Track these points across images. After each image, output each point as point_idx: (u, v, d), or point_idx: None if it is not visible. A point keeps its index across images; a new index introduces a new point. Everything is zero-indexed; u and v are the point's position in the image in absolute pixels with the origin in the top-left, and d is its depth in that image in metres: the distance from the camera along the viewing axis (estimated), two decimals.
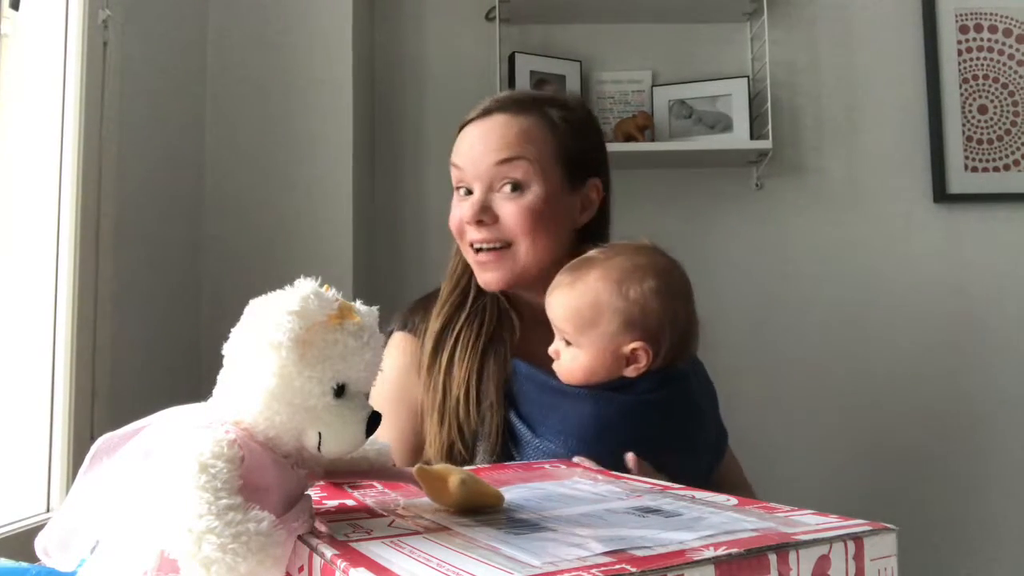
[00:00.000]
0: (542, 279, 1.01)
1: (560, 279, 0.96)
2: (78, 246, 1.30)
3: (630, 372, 0.91)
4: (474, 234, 1.05)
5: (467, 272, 1.10)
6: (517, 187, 1.03)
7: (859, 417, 2.07)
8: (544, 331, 1.00)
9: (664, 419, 0.91)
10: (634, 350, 0.90)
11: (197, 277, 1.75)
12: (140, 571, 0.46)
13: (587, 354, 0.91)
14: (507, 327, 1.07)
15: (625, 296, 0.91)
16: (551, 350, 0.96)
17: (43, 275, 1.28)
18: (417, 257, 2.11)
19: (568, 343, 0.93)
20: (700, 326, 0.98)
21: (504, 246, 1.04)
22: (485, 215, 1.04)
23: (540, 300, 1.02)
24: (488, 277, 1.05)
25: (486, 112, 1.07)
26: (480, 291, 1.09)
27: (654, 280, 0.92)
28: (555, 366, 0.95)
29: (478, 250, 1.05)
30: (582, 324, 0.91)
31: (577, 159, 1.08)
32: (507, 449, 0.96)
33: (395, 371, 1.06)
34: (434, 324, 1.07)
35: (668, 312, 0.92)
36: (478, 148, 1.05)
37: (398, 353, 1.08)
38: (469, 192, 1.06)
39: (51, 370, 1.26)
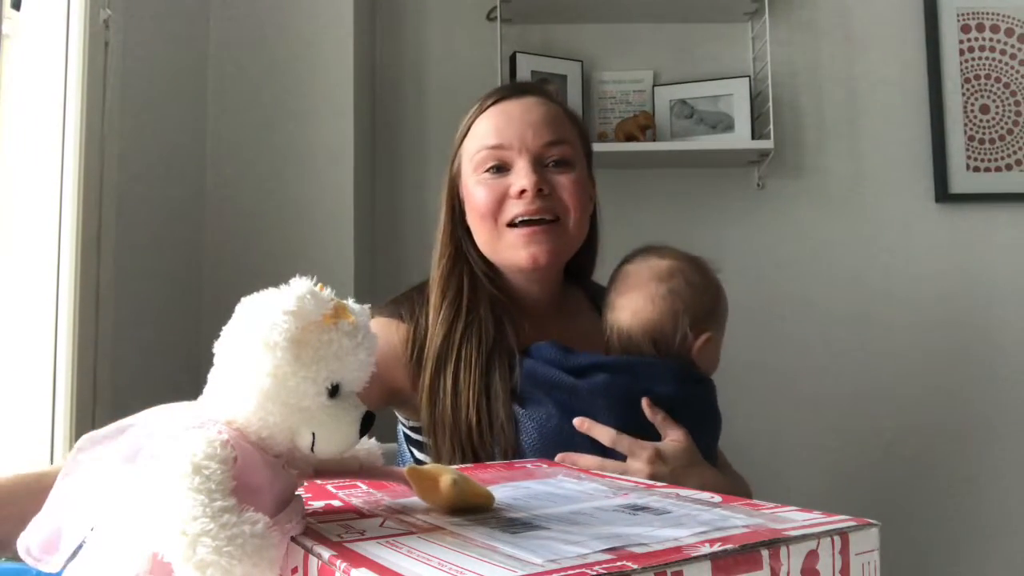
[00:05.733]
0: (567, 261, 1.04)
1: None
2: (79, 247, 1.30)
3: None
4: (527, 206, 0.98)
5: (458, 278, 1.04)
6: (565, 164, 1.02)
7: (860, 416, 2.07)
8: (555, 321, 1.02)
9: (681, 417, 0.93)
10: None
11: (198, 278, 1.75)
12: (131, 574, 0.46)
13: None
14: (509, 331, 1.01)
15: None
16: None
17: (45, 276, 1.28)
18: (419, 257, 2.09)
19: None
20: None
21: (553, 219, 1.00)
22: (545, 184, 0.99)
23: (553, 289, 1.06)
24: (537, 250, 0.99)
25: (519, 92, 1.04)
26: (474, 299, 1.02)
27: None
28: None
29: (525, 223, 0.99)
30: None
31: (590, 153, 1.10)
32: (519, 449, 0.94)
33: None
34: (433, 340, 1.00)
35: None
36: (525, 124, 1.00)
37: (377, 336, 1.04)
38: (502, 170, 1.01)
39: (52, 371, 1.26)
